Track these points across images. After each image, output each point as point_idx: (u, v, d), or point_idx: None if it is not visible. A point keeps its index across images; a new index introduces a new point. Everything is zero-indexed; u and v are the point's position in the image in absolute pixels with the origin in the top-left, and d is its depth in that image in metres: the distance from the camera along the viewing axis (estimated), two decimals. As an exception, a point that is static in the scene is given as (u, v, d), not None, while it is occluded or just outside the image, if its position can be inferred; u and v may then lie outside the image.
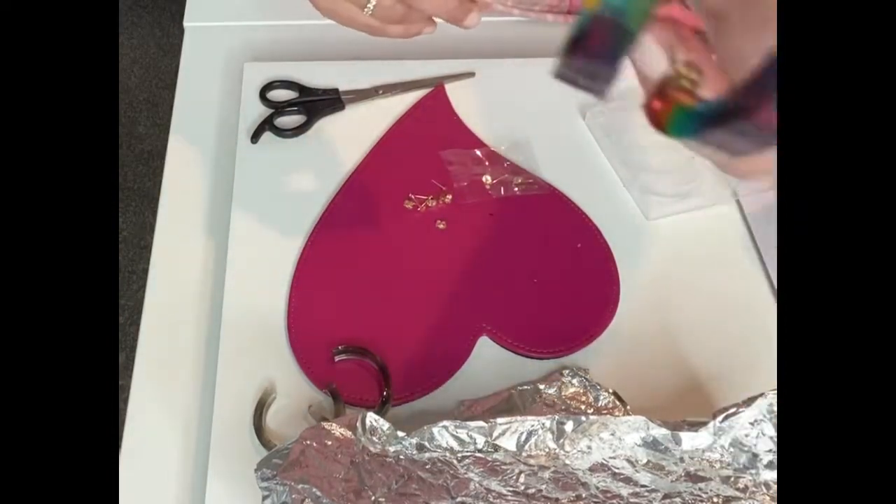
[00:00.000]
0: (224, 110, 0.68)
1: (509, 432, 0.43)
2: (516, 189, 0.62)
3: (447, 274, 0.57)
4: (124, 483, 0.49)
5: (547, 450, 0.43)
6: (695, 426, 0.44)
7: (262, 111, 0.66)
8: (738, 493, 0.43)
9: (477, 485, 0.42)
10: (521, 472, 0.43)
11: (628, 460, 0.43)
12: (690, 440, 0.43)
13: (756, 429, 0.43)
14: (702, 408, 0.51)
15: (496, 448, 0.43)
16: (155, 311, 0.56)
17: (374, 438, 0.43)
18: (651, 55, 0.24)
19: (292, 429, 0.50)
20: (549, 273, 0.58)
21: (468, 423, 0.43)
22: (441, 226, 0.60)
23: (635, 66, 0.26)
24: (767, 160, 0.24)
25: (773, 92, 0.18)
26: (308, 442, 0.42)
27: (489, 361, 0.54)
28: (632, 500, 0.43)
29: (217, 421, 0.50)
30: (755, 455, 0.43)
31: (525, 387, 0.50)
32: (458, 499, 0.42)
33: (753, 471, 0.43)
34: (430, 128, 0.66)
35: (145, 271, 0.59)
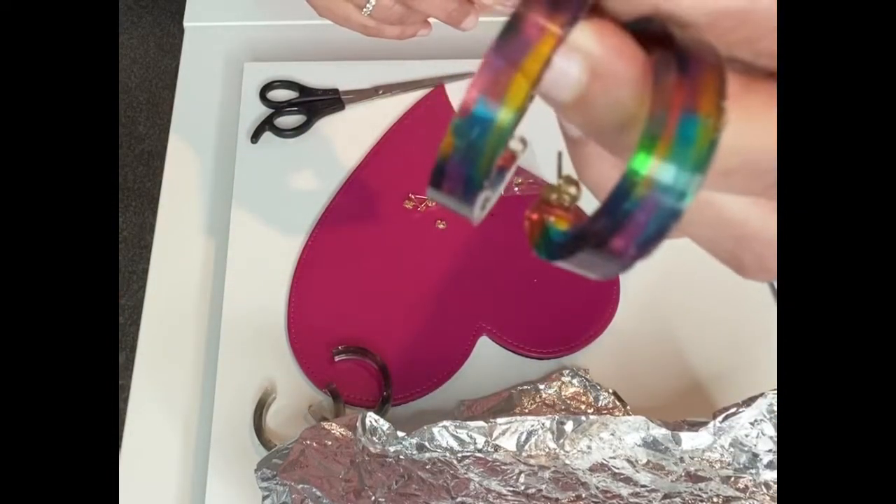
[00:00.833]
0: (224, 110, 0.68)
1: (509, 432, 0.43)
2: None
3: (447, 274, 0.57)
4: (124, 483, 0.49)
5: (547, 450, 0.43)
6: (695, 426, 0.44)
7: (262, 111, 0.66)
8: (738, 493, 0.43)
9: (477, 485, 0.42)
10: (521, 472, 0.43)
11: (628, 460, 0.43)
12: (690, 440, 0.43)
13: (756, 429, 0.43)
14: (702, 408, 0.51)
15: (496, 448, 0.43)
16: (155, 311, 0.56)
17: (374, 438, 0.43)
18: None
19: (292, 429, 0.50)
20: (549, 273, 0.58)
21: (468, 423, 0.43)
22: (441, 226, 0.60)
23: (559, 128, 0.26)
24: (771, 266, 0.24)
25: (625, 220, 0.19)
26: (308, 442, 0.42)
27: (489, 361, 0.54)
28: (632, 500, 0.43)
29: (217, 421, 0.50)
30: (755, 455, 0.43)
31: (525, 387, 0.50)
32: (458, 499, 0.42)
33: (753, 471, 0.43)
34: (430, 128, 0.66)
35: (145, 271, 0.59)
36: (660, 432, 0.43)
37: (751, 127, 0.20)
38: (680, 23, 0.20)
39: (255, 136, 0.64)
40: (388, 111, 0.67)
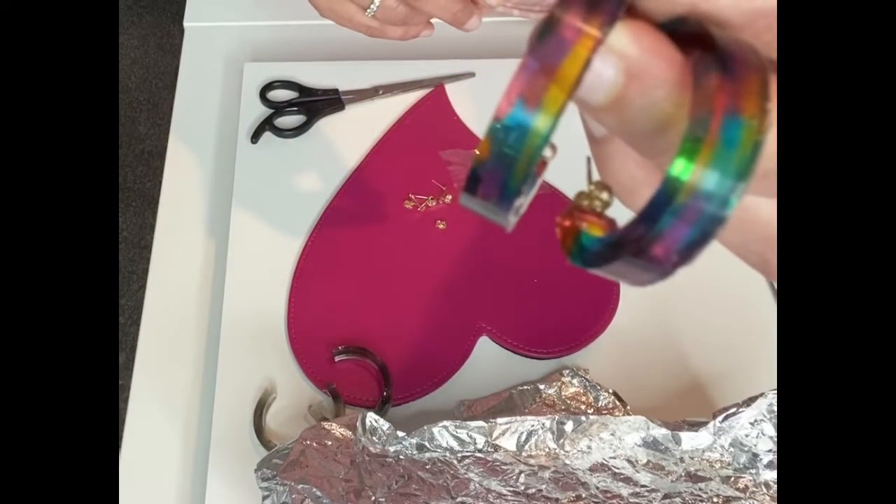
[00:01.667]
0: (224, 110, 0.68)
1: (509, 432, 0.43)
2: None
3: (447, 274, 0.57)
4: (124, 483, 0.49)
5: (547, 450, 0.43)
6: (695, 426, 0.44)
7: (262, 111, 0.66)
8: (738, 493, 0.43)
9: (477, 485, 0.42)
10: (521, 472, 0.43)
11: (628, 460, 0.43)
12: (690, 440, 0.43)
13: (756, 429, 0.43)
14: (702, 408, 0.51)
15: (496, 448, 0.43)
16: (155, 311, 0.56)
17: (374, 438, 0.43)
18: (591, 119, 0.24)
19: (292, 429, 0.50)
20: (549, 273, 0.58)
21: (468, 423, 0.43)
22: (441, 226, 0.60)
23: (584, 127, 0.26)
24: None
25: (666, 227, 0.18)
26: (308, 442, 0.42)
27: (489, 361, 0.54)
28: (632, 500, 0.43)
29: (217, 421, 0.50)
30: (755, 455, 0.43)
31: (525, 387, 0.50)
32: (458, 499, 0.42)
33: (753, 471, 0.43)
34: (430, 128, 0.66)
35: (145, 271, 0.59)
36: (660, 432, 0.43)
37: None
38: (716, 23, 0.20)
39: (255, 136, 0.64)
40: (388, 111, 0.67)
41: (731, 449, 0.43)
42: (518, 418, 0.43)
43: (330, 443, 0.43)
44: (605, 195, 0.23)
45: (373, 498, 0.41)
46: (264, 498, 0.41)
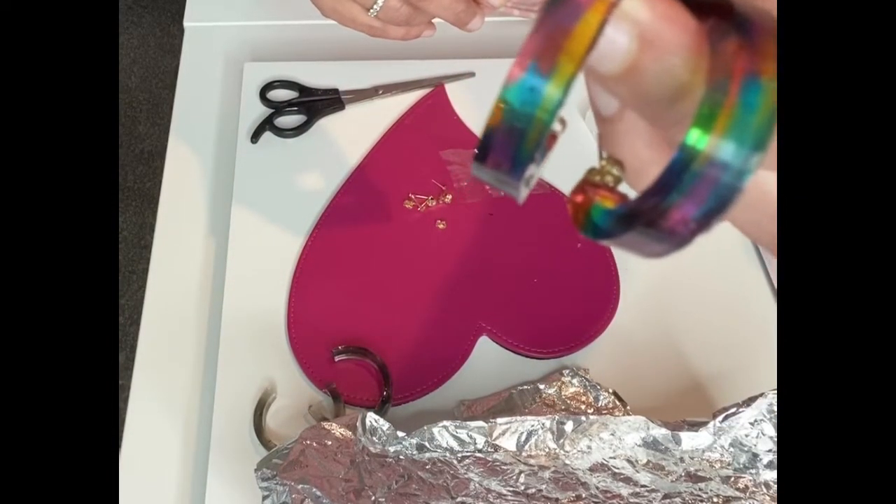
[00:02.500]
0: (224, 110, 0.68)
1: (509, 432, 0.43)
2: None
3: (447, 274, 0.57)
4: (124, 483, 0.49)
5: (547, 450, 0.43)
6: (695, 426, 0.44)
7: (262, 111, 0.66)
8: (738, 493, 0.43)
9: (477, 485, 0.42)
10: (521, 472, 0.43)
11: (628, 460, 0.43)
12: (690, 440, 0.43)
13: (756, 429, 0.43)
14: (702, 408, 0.51)
15: (496, 448, 0.43)
16: (155, 311, 0.56)
17: (374, 438, 0.43)
18: (604, 95, 0.24)
19: (292, 429, 0.50)
20: (549, 273, 0.58)
21: (468, 423, 0.43)
22: (441, 226, 0.60)
23: (591, 105, 0.25)
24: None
25: (680, 198, 0.18)
26: (308, 442, 0.42)
27: (489, 361, 0.54)
28: (632, 500, 0.43)
29: (217, 421, 0.50)
30: (755, 455, 0.43)
31: (525, 387, 0.50)
32: (458, 499, 0.42)
33: (753, 471, 0.43)
34: (430, 128, 0.66)
35: (145, 271, 0.59)
36: (660, 432, 0.43)
37: None
38: None
39: (255, 136, 0.64)
40: (388, 111, 0.67)
41: (731, 449, 0.43)
42: (518, 418, 0.43)
43: (330, 443, 0.43)
44: (616, 170, 0.23)
45: (373, 498, 0.41)
46: (264, 498, 0.41)
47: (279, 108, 0.66)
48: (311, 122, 0.66)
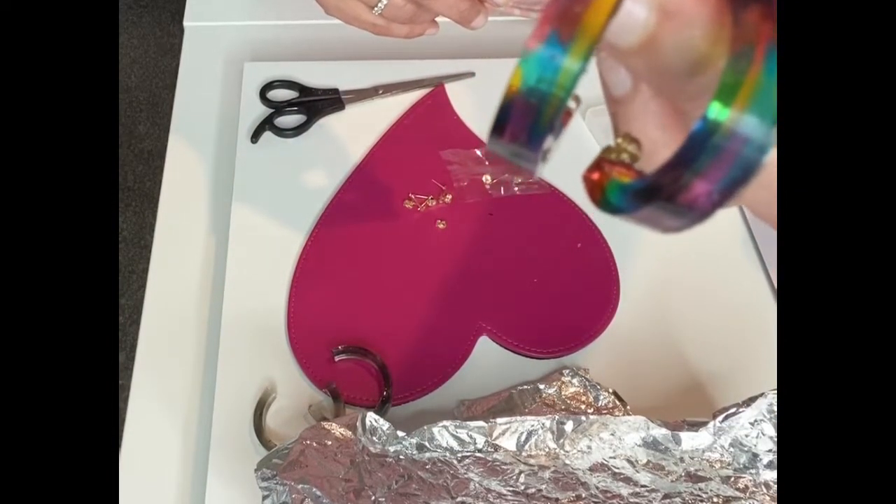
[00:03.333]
0: (224, 110, 0.68)
1: (509, 432, 0.43)
2: (516, 189, 0.62)
3: (447, 274, 0.57)
4: (124, 483, 0.49)
5: (547, 450, 0.43)
6: (695, 426, 0.44)
7: (262, 111, 0.66)
8: (738, 493, 0.43)
9: (477, 485, 0.42)
10: (521, 472, 0.43)
11: (628, 460, 0.43)
12: (690, 440, 0.43)
13: (756, 429, 0.43)
14: (702, 408, 0.51)
15: (496, 448, 0.43)
16: (155, 311, 0.56)
17: (374, 438, 0.43)
18: (616, 76, 0.24)
19: (292, 429, 0.50)
20: (549, 273, 0.58)
21: (468, 423, 0.43)
22: (441, 226, 0.60)
23: (602, 87, 0.25)
24: None
25: (701, 171, 0.18)
26: (308, 442, 0.42)
27: (489, 361, 0.54)
28: (632, 500, 0.43)
29: (217, 421, 0.50)
30: (755, 455, 0.43)
31: (525, 387, 0.50)
32: (458, 499, 0.42)
33: (753, 471, 0.43)
34: (430, 128, 0.66)
35: (145, 271, 0.59)
36: (660, 432, 0.43)
37: None
38: None
39: (255, 136, 0.64)
40: (388, 111, 0.67)
41: (731, 449, 0.43)
42: (518, 418, 0.43)
43: (330, 443, 0.43)
44: (632, 147, 0.23)
45: (373, 498, 0.41)
46: (264, 498, 0.41)
47: (279, 108, 0.66)
48: (311, 122, 0.66)
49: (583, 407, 0.49)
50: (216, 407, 0.51)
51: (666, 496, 0.43)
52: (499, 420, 0.43)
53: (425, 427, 0.43)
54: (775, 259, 0.59)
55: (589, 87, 0.25)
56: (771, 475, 0.43)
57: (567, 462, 0.43)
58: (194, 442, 0.51)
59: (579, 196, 0.62)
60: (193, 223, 0.61)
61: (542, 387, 0.50)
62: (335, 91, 0.68)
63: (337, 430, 0.43)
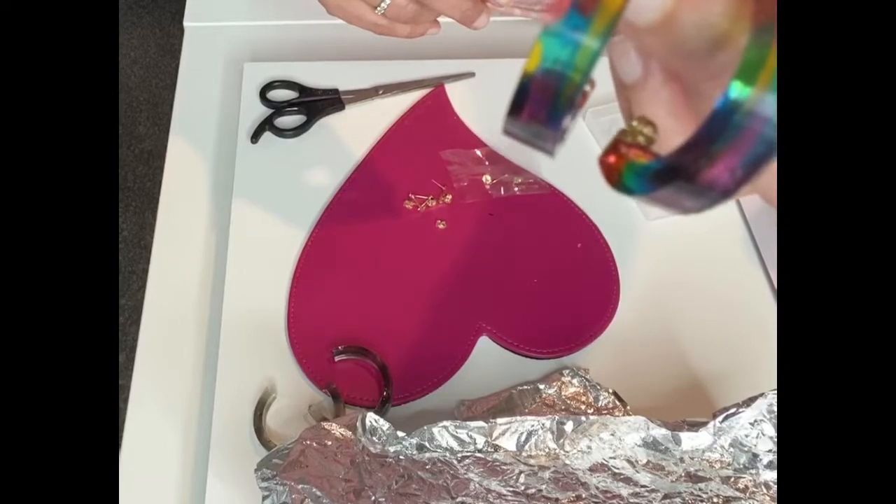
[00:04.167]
0: (224, 110, 0.68)
1: (509, 432, 0.43)
2: (516, 189, 0.62)
3: (447, 274, 0.57)
4: (124, 483, 0.49)
5: (547, 450, 0.43)
6: (695, 426, 0.44)
7: (262, 111, 0.66)
8: (738, 494, 0.43)
9: (477, 485, 0.42)
10: (521, 472, 0.43)
11: (628, 460, 0.43)
12: (690, 440, 0.43)
13: (756, 429, 0.43)
14: (702, 408, 0.51)
15: (496, 448, 0.43)
16: (155, 311, 0.57)
17: (374, 438, 0.43)
18: (627, 63, 0.23)
19: (292, 429, 0.50)
20: (549, 273, 0.58)
21: (468, 423, 0.43)
22: (441, 226, 0.60)
23: (612, 74, 0.25)
24: None
25: (722, 150, 0.18)
26: (308, 442, 0.42)
27: (489, 361, 0.54)
28: (632, 500, 0.43)
29: (217, 421, 0.50)
30: (755, 455, 0.43)
31: (525, 387, 0.50)
32: (458, 499, 0.42)
33: (753, 471, 0.43)
34: (430, 128, 0.66)
35: (145, 271, 0.59)
36: (660, 432, 0.43)
37: None
38: None
39: (255, 136, 0.64)
40: (388, 111, 0.67)
41: (731, 449, 0.43)
42: (518, 418, 0.43)
43: (330, 443, 0.43)
44: (648, 130, 0.22)
45: (373, 498, 0.41)
46: (264, 498, 0.41)
47: (279, 108, 0.66)
48: (311, 122, 0.66)
49: (583, 407, 0.49)
50: (216, 407, 0.51)
51: (666, 496, 0.43)
52: (499, 420, 0.43)
53: (425, 427, 0.43)
54: (775, 259, 0.59)
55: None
56: (771, 475, 0.43)
57: (567, 462, 0.43)
58: (194, 442, 0.51)
59: (579, 196, 0.62)
60: (193, 223, 0.61)
61: (542, 387, 0.50)
62: (335, 91, 0.68)
63: (337, 430, 0.43)
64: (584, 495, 0.43)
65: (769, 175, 0.21)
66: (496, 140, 0.65)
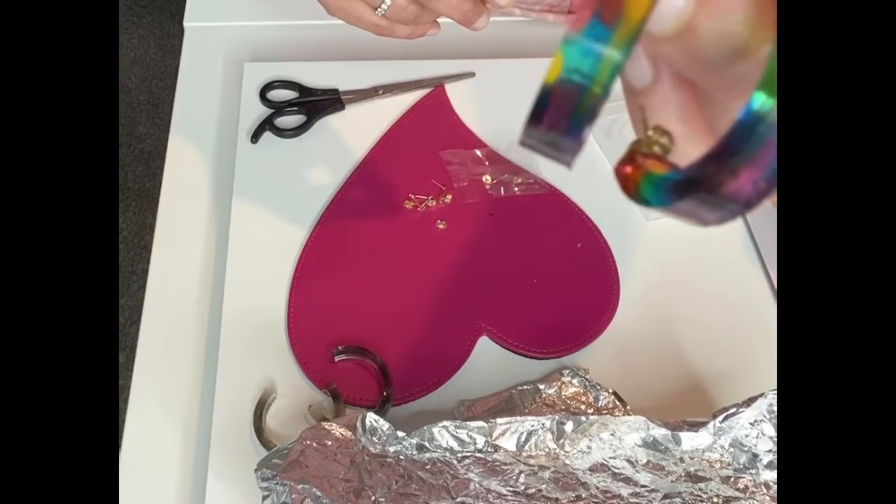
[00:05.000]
0: (224, 110, 0.68)
1: (509, 432, 0.43)
2: (516, 189, 0.62)
3: (447, 274, 0.57)
4: (124, 483, 0.49)
5: (547, 450, 0.43)
6: (695, 426, 0.44)
7: (262, 111, 0.66)
8: (738, 493, 0.43)
9: (477, 485, 0.42)
10: (521, 473, 0.43)
11: (628, 460, 0.43)
12: (690, 440, 0.43)
13: (756, 429, 0.43)
14: (702, 408, 0.51)
15: (496, 448, 0.43)
16: (155, 311, 0.56)
17: (374, 438, 0.43)
18: (637, 67, 0.23)
19: (292, 429, 0.50)
20: (549, 273, 0.58)
21: (468, 423, 0.43)
22: (441, 226, 0.60)
23: (621, 78, 0.25)
24: None
25: (745, 163, 0.17)
26: (308, 442, 0.42)
27: (489, 361, 0.54)
28: (632, 500, 0.43)
29: (217, 421, 0.50)
30: (755, 455, 0.43)
31: (525, 387, 0.50)
32: (458, 499, 0.42)
33: (753, 471, 0.43)
34: (430, 128, 0.66)
35: (145, 271, 0.59)
36: (660, 432, 0.43)
37: None
38: None
39: (255, 136, 0.64)
40: (388, 111, 0.67)
41: (731, 449, 0.43)
42: (518, 418, 0.43)
43: (330, 443, 0.43)
44: (665, 139, 0.22)
45: (373, 498, 0.41)
46: (264, 498, 0.41)
47: (279, 108, 0.66)
48: (311, 122, 0.66)
49: (583, 407, 0.49)
50: (216, 407, 0.51)
51: (666, 496, 0.43)
52: (499, 420, 0.43)
53: (425, 427, 0.43)
54: (775, 259, 0.59)
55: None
56: (771, 475, 0.43)
57: (567, 462, 0.43)
58: (194, 442, 0.51)
59: (579, 196, 0.62)
60: (193, 223, 0.61)
61: (542, 387, 0.50)
62: (335, 91, 0.68)
63: (337, 430, 0.43)
64: (584, 495, 0.43)
65: None
66: (496, 140, 0.65)
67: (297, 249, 0.58)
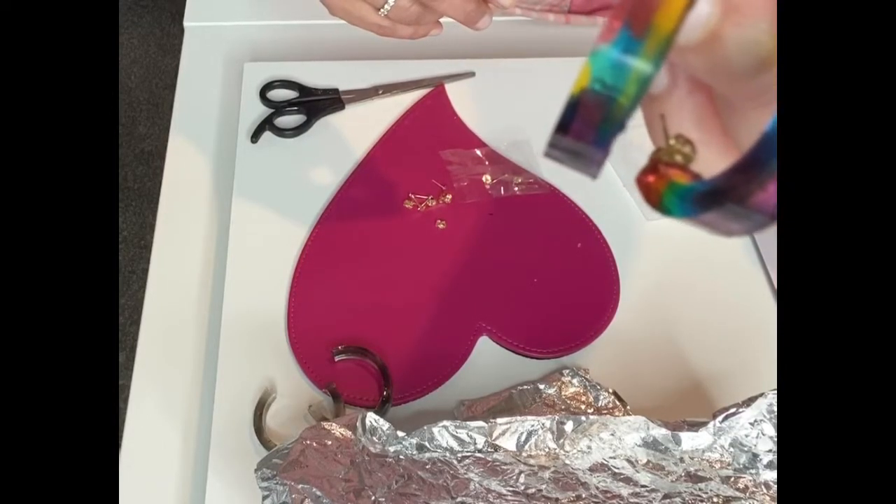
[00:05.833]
0: (224, 110, 0.68)
1: (509, 432, 0.43)
2: (516, 189, 0.62)
3: (447, 274, 0.57)
4: (124, 483, 0.49)
5: (547, 450, 0.43)
6: (695, 426, 0.44)
7: (262, 111, 0.66)
8: (738, 493, 0.43)
9: (477, 485, 0.42)
10: (521, 472, 0.43)
11: (628, 460, 0.43)
12: (690, 440, 0.43)
13: (756, 429, 0.43)
14: (702, 408, 0.51)
15: (496, 448, 0.43)
16: (155, 310, 0.56)
17: (374, 438, 0.43)
18: (658, 74, 0.23)
19: (292, 429, 0.50)
20: (549, 273, 0.58)
21: (468, 423, 0.43)
22: (441, 226, 0.60)
23: None
24: None
25: (770, 174, 0.17)
26: (308, 442, 0.42)
27: (489, 361, 0.54)
28: (632, 500, 0.43)
29: (217, 421, 0.50)
30: (755, 455, 0.43)
31: (525, 387, 0.50)
32: (458, 499, 0.42)
33: (753, 471, 0.43)
34: (430, 128, 0.66)
35: (145, 271, 0.59)
36: (660, 432, 0.43)
37: None
38: None
39: (255, 136, 0.64)
40: (388, 111, 0.67)
41: (731, 449, 0.43)
42: (518, 418, 0.43)
43: (330, 443, 0.43)
44: (687, 149, 0.22)
45: (373, 498, 0.41)
46: (264, 498, 0.41)
47: (279, 108, 0.66)
48: (311, 122, 0.66)
49: (583, 407, 0.49)
50: (216, 407, 0.51)
51: (666, 496, 0.43)
52: (499, 420, 0.43)
53: (425, 427, 0.43)
54: (775, 259, 0.59)
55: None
56: (771, 475, 0.43)
57: (567, 462, 0.43)
58: (194, 442, 0.51)
59: (579, 196, 0.62)
60: (193, 223, 0.61)
61: (542, 387, 0.50)
62: (335, 91, 0.68)
63: (337, 430, 0.43)
64: (584, 495, 0.43)
65: None
66: (496, 140, 0.65)
67: (297, 249, 0.58)
